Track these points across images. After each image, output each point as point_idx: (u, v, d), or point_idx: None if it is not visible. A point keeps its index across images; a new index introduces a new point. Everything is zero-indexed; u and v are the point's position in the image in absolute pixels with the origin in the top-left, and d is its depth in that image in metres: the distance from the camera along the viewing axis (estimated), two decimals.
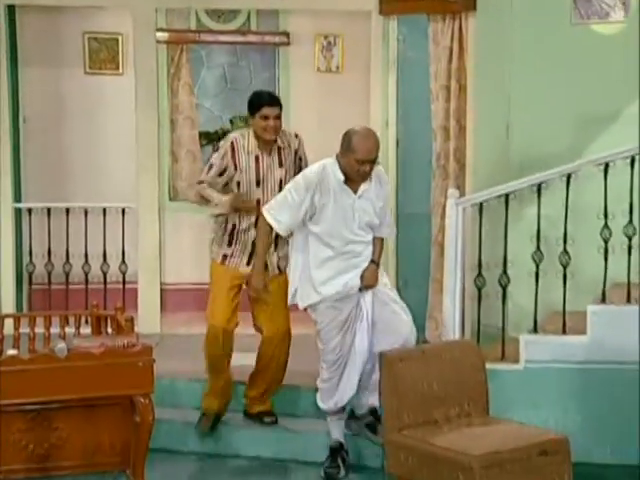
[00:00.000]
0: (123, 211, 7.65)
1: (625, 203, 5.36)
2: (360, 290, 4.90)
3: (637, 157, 5.30)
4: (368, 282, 4.91)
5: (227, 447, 5.51)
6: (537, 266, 5.45)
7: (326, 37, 8.33)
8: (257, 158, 5.16)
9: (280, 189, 5.03)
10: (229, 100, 9.15)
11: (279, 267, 5.30)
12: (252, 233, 5.16)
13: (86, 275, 7.65)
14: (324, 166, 4.85)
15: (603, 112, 5.83)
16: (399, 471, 4.25)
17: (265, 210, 4.94)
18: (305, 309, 5.02)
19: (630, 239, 5.37)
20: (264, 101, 5.12)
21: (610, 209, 5.39)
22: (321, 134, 8.30)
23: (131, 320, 5.04)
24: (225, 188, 5.22)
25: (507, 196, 5.44)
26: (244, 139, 5.17)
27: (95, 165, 8.27)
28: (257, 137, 5.14)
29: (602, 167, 5.36)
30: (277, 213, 4.88)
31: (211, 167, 5.21)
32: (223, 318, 5.25)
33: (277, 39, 8.42)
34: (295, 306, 5.08)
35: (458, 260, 5.44)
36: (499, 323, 5.48)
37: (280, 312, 5.27)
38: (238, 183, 5.17)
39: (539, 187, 5.43)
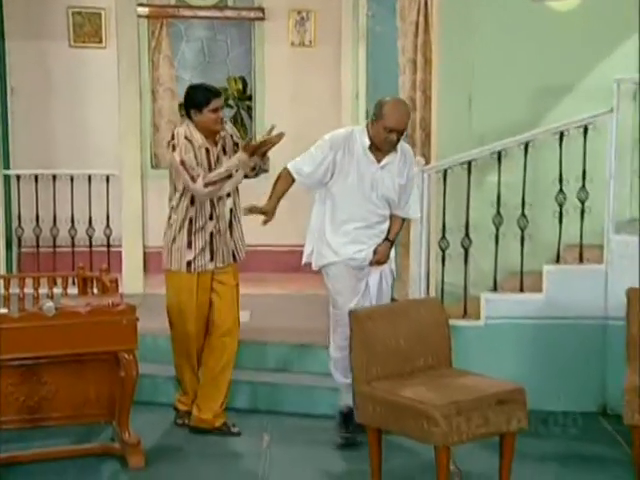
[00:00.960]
0: (107, 178, 7.62)
1: (578, 169, 5.38)
2: (370, 264, 4.78)
3: (590, 126, 5.31)
4: (379, 257, 4.79)
5: None
6: (497, 229, 5.48)
7: (299, 13, 8.28)
8: (207, 151, 4.79)
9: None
10: (207, 72, 9.10)
11: (234, 255, 4.97)
12: (210, 225, 4.82)
13: (72, 239, 7.65)
14: (352, 130, 4.75)
15: (559, 84, 5.82)
16: (368, 421, 4.26)
17: (289, 165, 4.83)
18: (318, 271, 4.89)
19: (583, 203, 5.39)
20: (211, 94, 4.77)
21: (564, 175, 5.41)
22: (295, 105, 8.30)
23: (115, 281, 5.03)
24: (175, 187, 4.86)
25: (469, 163, 5.45)
26: (192, 134, 4.75)
27: (80, 134, 8.21)
28: (202, 130, 4.75)
29: (557, 136, 5.37)
30: (299, 165, 4.77)
31: (184, 163, 4.70)
32: (190, 327, 4.94)
33: (252, 14, 8.36)
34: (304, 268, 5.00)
35: (424, 224, 5.44)
36: (461, 282, 5.51)
37: (234, 308, 5.04)
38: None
39: (499, 155, 5.44)
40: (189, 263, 4.82)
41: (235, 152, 4.85)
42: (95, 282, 5.18)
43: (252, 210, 4.79)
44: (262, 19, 8.32)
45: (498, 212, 5.45)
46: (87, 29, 8.21)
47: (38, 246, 7.67)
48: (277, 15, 8.30)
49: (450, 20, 6.20)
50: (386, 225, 4.84)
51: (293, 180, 4.83)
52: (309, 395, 5.38)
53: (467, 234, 5.48)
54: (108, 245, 7.62)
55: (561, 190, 5.42)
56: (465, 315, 5.47)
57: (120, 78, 7.26)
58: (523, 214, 5.45)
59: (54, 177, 7.65)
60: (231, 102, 9.07)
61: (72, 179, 7.61)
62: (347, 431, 4.84)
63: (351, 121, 7.21)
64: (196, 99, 4.76)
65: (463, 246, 5.49)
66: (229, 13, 8.45)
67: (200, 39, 9.08)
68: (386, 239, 4.83)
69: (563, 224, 5.43)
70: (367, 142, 4.67)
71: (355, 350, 4.31)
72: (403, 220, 4.94)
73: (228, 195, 4.86)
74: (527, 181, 5.42)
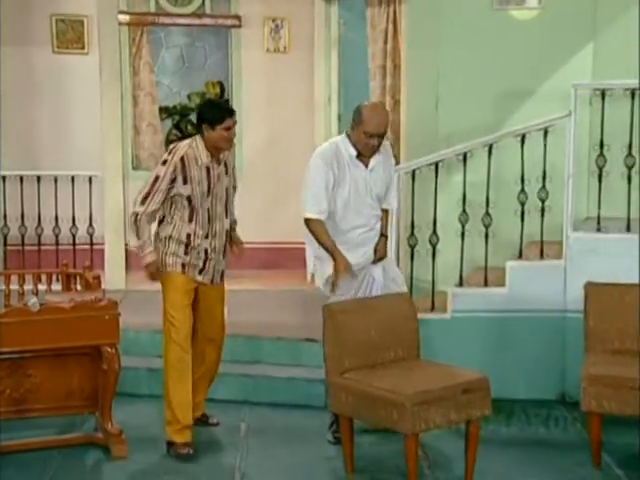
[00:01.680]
0: (90, 179, 7.58)
1: (539, 170, 5.41)
2: (373, 262, 4.68)
3: (549, 129, 5.35)
4: (381, 254, 4.70)
5: None
6: (463, 227, 5.50)
7: (274, 20, 8.25)
8: (208, 170, 4.52)
9: (227, 196, 4.63)
10: (186, 78, 9.08)
11: (221, 276, 4.78)
12: (206, 242, 4.59)
13: (57, 237, 7.61)
14: (335, 143, 4.59)
15: (520, 89, 5.85)
16: (341, 410, 4.27)
17: (306, 212, 4.53)
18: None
19: (543, 202, 5.43)
20: (226, 113, 4.53)
21: (526, 175, 5.44)
22: (270, 108, 8.29)
23: (98, 278, 5.00)
24: (172, 203, 4.54)
25: (437, 164, 5.46)
26: (194, 150, 4.50)
27: (64, 137, 8.16)
28: (209, 146, 4.52)
29: (519, 138, 5.39)
30: (317, 207, 4.50)
31: (157, 180, 4.46)
32: (188, 334, 4.63)
33: (229, 22, 8.33)
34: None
35: (393, 222, 5.45)
36: (429, 278, 5.52)
37: (221, 316, 4.86)
38: (189, 198, 4.50)
39: (465, 156, 5.46)
40: (183, 265, 4.58)
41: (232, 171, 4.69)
42: (78, 279, 5.14)
43: (335, 283, 4.53)
44: (238, 26, 8.30)
45: (464, 210, 5.47)
46: (70, 36, 8.16)
47: (23, 244, 7.62)
48: (253, 23, 8.28)
49: (417, 28, 6.22)
50: (380, 223, 4.75)
51: (322, 221, 4.55)
52: (284, 386, 5.38)
53: (434, 231, 5.50)
54: (91, 243, 7.58)
55: (523, 190, 5.45)
56: (433, 309, 5.48)
57: (102, 83, 7.22)
58: (487, 212, 5.47)
59: (39, 178, 7.60)
60: None
61: (56, 180, 7.56)
62: (338, 430, 4.55)
63: (324, 124, 7.22)
64: (211, 115, 4.50)
65: (431, 243, 5.50)
66: (207, 21, 8.41)
67: (179, 46, 9.05)
68: (382, 235, 4.74)
69: (525, 222, 5.46)
70: (353, 151, 4.52)
71: (328, 342, 4.32)
72: (387, 212, 4.85)
73: (226, 216, 4.67)
74: (491, 181, 5.44)
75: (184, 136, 9.04)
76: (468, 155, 5.45)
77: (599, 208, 5.35)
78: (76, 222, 7.60)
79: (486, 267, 5.46)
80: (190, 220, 4.54)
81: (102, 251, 7.37)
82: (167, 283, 4.61)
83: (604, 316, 4.76)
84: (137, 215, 4.48)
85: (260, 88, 8.27)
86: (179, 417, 4.54)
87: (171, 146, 4.61)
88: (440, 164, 5.47)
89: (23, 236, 7.64)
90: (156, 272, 4.59)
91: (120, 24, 7.56)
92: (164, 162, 4.49)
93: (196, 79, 9.05)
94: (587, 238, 5.35)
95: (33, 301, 4.41)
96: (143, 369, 5.55)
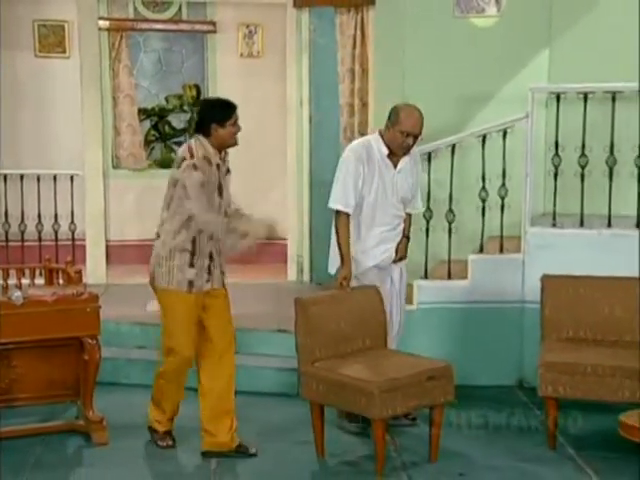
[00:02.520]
0: (71, 177, 7.50)
1: (499, 169, 5.44)
2: (394, 262, 4.62)
3: (508, 130, 5.38)
4: (402, 255, 4.64)
5: None
6: (427, 222, 5.51)
7: (248, 26, 8.25)
8: (218, 166, 4.18)
9: (228, 195, 4.29)
10: (164, 81, 9.03)
11: (223, 282, 4.38)
12: (209, 245, 4.20)
13: (39, 233, 7.51)
14: (368, 140, 4.52)
15: (481, 92, 5.88)
16: (312, 397, 4.27)
17: (333, 204, 4.45)
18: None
19: (503, 199, 5.46)
20: (232, 108, 4.18)
21: (487, 174, 5.47)
22: (244, 110, 8.15)
23: (80, 272, 4.95)
24: (181, 209, 4.14)
25: None
26: (204, 149, 4.12)
27: (46, 137, 8.12)
28: (218, 145, 4.16)
29: (480, 139, 5.42)
30: (344, 199, 4.43)
31: (204, 186, 4.08)
32: (191, 352, 4.26)
33: (205, 27, 8.32)
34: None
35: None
36: None
37: (231, 324, 4.41)
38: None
39: (429, 155, 5.47)
40: (190, 282, 4.16)
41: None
42: (60, 273, 5.08)
43: (343, 285, 4.46)
44: (214, 32, 8.28)
45: (428, 207, 5.48)
46: (51, 40, 8.12)
47: (7, 240, 7.52)
48: (227, 28, 8.28)
49: (384, 34, 6.22)
50: (403, 225, 4.66)
51: (348, 215, 4.50)
52: (258, 375, 5.35)
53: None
54: (73, 239, 7.49)
55: (484, 187, 5.48)
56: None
57: (83, 85, 7.18)
58: (450, 209, 5.49)
59: (22, 177, 7.49)
60: (186, 107, 8.99)
61: (38, 179, 7.46)
62: (358, 421, 4.53)
63: (295, 125, 7.20)
64: (219, 113, 4.14)
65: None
66: (184, 26, 8.39)
67: (157, 50, 8.99)
68: (404, 236, 4.66)
69: (485, 218, 5.49)
70: (385, 150, 4.45)
71: (300, 333, 4.31)
72: (410, 215, 4.74)
73: (226, 214, 4.31)
74: (454, 179, 5.46)
75: (162, 136, 9.02)
76: (433, 155, 5.47)
77: (555, 205, 5.39)
78: (58, 219, 7.52)
79: (449, 261, 5.48)
80: (184, 225, 4.16)
81: (83, 247, 7.35)
82: (170, 303, 4.19)
83: (559, 306, 4.80)
84: (210, 220, 4.11)
85: (235, 91, 8.20)
86: (164, 407, 4.45)
87: (184, 149, 4.15)
88: None
89: (7, 233, 7.55)
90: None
91: (100, 29, 7.55)
92: (195, 167, 4.03)
93: (173, 82, 9.01)
94: (544, 233, 5.38)
95: (17, 295, 4.36)
96: (123, 359, 5.52)
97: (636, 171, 5.28)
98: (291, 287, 6.89)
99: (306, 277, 7.20)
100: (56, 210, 7.51)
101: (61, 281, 5.03)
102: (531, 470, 4.19)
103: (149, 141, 8.92)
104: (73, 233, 7.52)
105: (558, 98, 5.34)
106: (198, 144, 4.13)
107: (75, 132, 7.52)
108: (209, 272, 4.22)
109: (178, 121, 9.06)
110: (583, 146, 5.33)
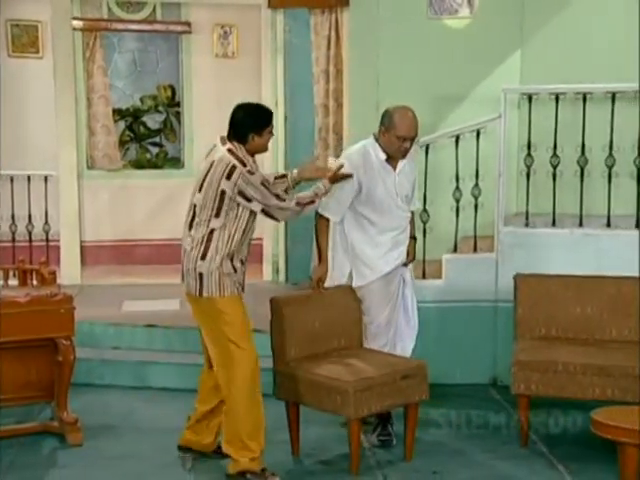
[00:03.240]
0: (46, 178, 7.45)
1: (472, 169, 5.47)
2: (405, 265, 4.54)
3: (481, 130, 5.41)
4: (412, 257, 4.58)
5: (139, 380, 5.48)
6: None
7: (222, 27, 8.24)
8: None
9: None
10: (139, 81, 8.99)
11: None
12: (243, 252, 4.04)
13: (13, 234, 7.47)
14: (364, 146, 4.36)
15: (454, 93, 5.91)
16: (287, 397, 4.27)
17: (324, 211, 4.36)
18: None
19: (476, 199, 5.49)
20: (270, 114, 4.06)
21: (460, 174, 5.50)
22: (220, 111, 8.18)
23: (54, 273, 4.92)
24: (233, 214, 3.95)
25: None
26: (246, 157, 3.95)
27: (20, 137, 8.03)
28: (252, 153, 4.01)
29: (454, 139, 5.45)
30: (336, 208, 4.34)
31: (265, 183, 3.96)
32: (257, 364, 4.00)
33: (180, 28, 8.29)
34: None
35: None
36: None
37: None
38: (252, 210, 3.97)
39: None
40: (239, 285, 4.03)
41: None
42: (34, 274, 5.04)
43: (319, 285, 4.40)
44: (189, 32, 8.26)
45: None
46: (25, 40, 8.06)
47: None
48: (202, 29, 8.26)
49: (358, 35, 6.24)
50: (409, 225, 4.58)
51: (328, 221, 4.42)
52: None
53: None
54: (47, 240, 7.45)
55: (457, 187, 5.51)
56: None
57: (57, 86, 7.14)
58: (425, 209, 5.51)
59: None
60: (161, 108, 8.96)
61: (12, 179, 7.42)
62: (383, 434, 4.46)
63: None
64: (258, 122, 3.99)
65: None
66: (158, 27, 8.36)
67: (132, 50, 8.94)
68: (412, 237, 4.57)
69: (459, 217, 5.52)
70: (383, 155, 4.33)
71: (275, 333, 4.31)
72: (412, 214, 4.63)
73: None
74: (428, 179, 5.48)
75: (137, 137, 8.98)
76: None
77: (527, 204, 5.44)
78: (32, 220, 7.47)
79: (424, 260, 5.50)
80: (236, 231, 3.98)
81: (58, 247, 7.30)
82: (226, 309, 3.96)
83: (532, 305, 4.84)
84: (297, 203, 4.03)
85: (210, 91, 8.24)
86: (252, 446, 3.97)
87: (229, 158, 3.93)
88: None
89: None
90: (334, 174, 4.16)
91: (74, 29, 7.49)
92: (251, 173, 3.90)
93: (148, 82, 8.97)
94: (517, 232, 5.42)
95: None
96: (97, 360, 5.50)
97: (607, 171, 5.33)
98: (266, 287, 6.88)
99: (282, 277, 7.21)
100: (30, 211, 7.46)
101: (35, 282, 5.00)
102: (504, 467, 4.22)
103: (124, 142, 8.87)
104: (47, 234, 7.48)
105: (530, 99, 5.39)
106: (241, 150, 3.96)
107: (49, 133, 7.48)
108: (244, 276, 4.09)
109: (153, 122, 9.02)
110: (555, 146, 5.38)
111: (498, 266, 5.41)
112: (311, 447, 4.34)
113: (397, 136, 4.28)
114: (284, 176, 4.29)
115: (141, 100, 8.97)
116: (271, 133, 4.06)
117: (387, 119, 4.33)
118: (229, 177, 3.88)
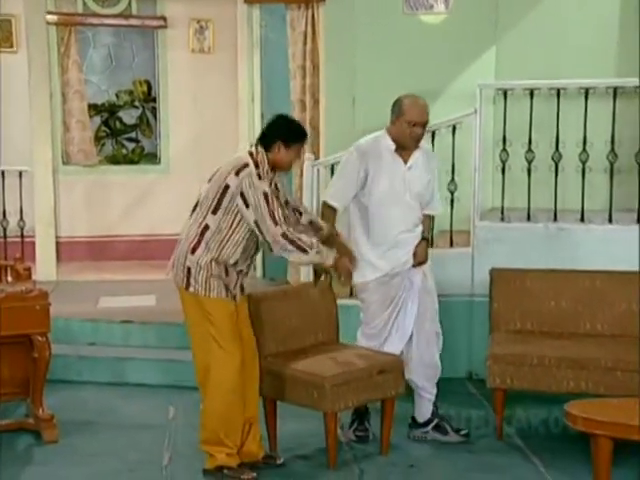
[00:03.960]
0: (20, 174, 7.34)
1: (448, 164, 5.48)
2: (413, 266, 4.32)
3: (457, 126, 5.43)
4: (420, 258, 4.32)
5: (116, 376, 5.45)
6: None
7: (198, 22, 8.20)
8: (277, 186, 3.96)
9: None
10: (114, 76, 8.95)
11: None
12: (244, 264, 3.98)
13: None
14: (375, 137, 4.27)
15: (430, 88, 5.88)
16: (265, 392, 4.26)
17: (328, 198, 4.28)
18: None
19: (452, 194, 5.51)
20: (304, 134, 3.98)
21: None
22: (196, 107, 8.23)
23: (29, 269, 4.87)
24: (230, 220, 3.85)
25: None
26: (267, 162, 3.87)
27: None
28: (272, 163, 3.89)
29: (430, 134, 5.45)
30: (341, 195, 4.25)
31: (268, 197, 3.79)
32: (241, 367, 3.94)
33: (155, 23, 8.24)
34: None
35: (313, 213, 5.44)
36: None
37: (252, 331, 4.14)
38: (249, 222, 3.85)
39: None
40: (227, 288, 3.92)
41: None
42: (9, 270, 5.00)
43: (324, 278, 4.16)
44: (164, 27, 8.21)
45: None
46: None
47: None
48: (178, 24, 8.21)
49: (334, 30, 6.25)
50: (421, 227, 4.38)
51: (335, 210, 4.30)
52: None
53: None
54: (22, 236, 7.34)
55: None
56: (351, 295, 5.50)
57: (31, 81, 7.09)
58: None
59: None
60: (137, 103, 8.92)
61: None
62: (359, 429, 4.44)
63: (247, 121, 7.19)
64: (290, 132, 3.91)
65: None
66: (134, 21, 8.31)
67: (107, 45, 8.89)
68: (423, 239, 4.36)
69: None
70: (392, 145, 4.22)
71: (253, 329, 4.30)
72: (430, 217, 4.50)
73: None
74: None
75: (113, 132, 8.93)
76: None
77: (503, 199, 5.47)
78: (7, 215, 7.38)
79: None
80: (230, 240, 3.89)
81: (33, 243, 7.24)
82: (211, 309, 3.89)
83: (507, 299, 4.88)
84: (283, 234, 3.79)
85: (186, 87, 8.21)
86: (228, 443, 3.96)
87: (245, 156, 3.88)
88: None
89: None
90: (349, 265, 3.99)
91: (48, 24, 7.46)
92: (260, 177, 3.80)
93: (124, 77, 8.92)
94: (492, 227, 5.45)
95: None
96: (73, 356, 5.47)
97: (580, 166, 5.38)
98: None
99: (259, 273, 7.20)
100: (4, 206, 7.37)
101: (10, 278, 4.95)
102: (479, 460, 4.26)
103: (100, 137, 8.82)
104: (22, 230, 7.38)
105: (505, 94, 5.42)
106: (261, 155, 3.88)
107: (24, 128, 7.41)
108: (237, 283, 3.97)
109: (129, 117, 8.97)
110: (530, 142, 5.41)
111: (474, 260, 5.44)
112: (288, 442, 4.34)
113: (407, 121, 4.18)
114: (319, 229, 4.12)
115: (117, 95, 8.92)
116: (299, 154, 3.98)
117: (397, 107, 4.25)
118: (238, 173, 3.79)
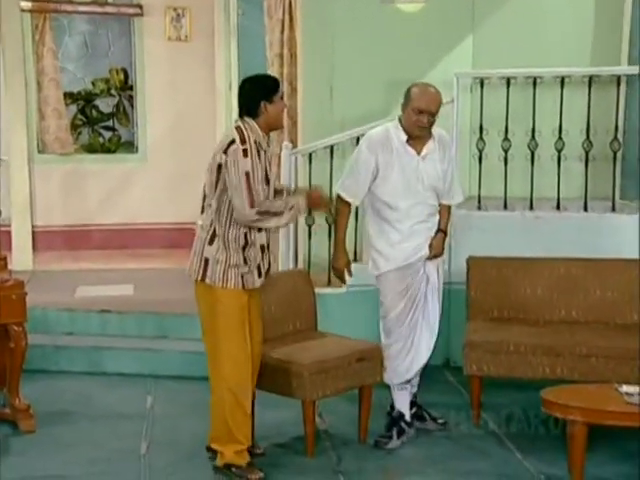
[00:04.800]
0: None
1: None
2: (428, 259, 4.23)
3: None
4: (437, 251, 4.23)
5: (93, 365, 5.43)
6: (356, 207, 5.52)
7: (175, 9, 8.13)
8: (265, 153, 3.82)
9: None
10: (90, 64, 8.87)
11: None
12: (261, 238, 3.87)
13: None
14: (387, 127, 4.19)
15: (408, 77, 5.85)
16: None
17: (341, 191, 4.22)
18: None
19: None
20: (277, 80, 3.90)
21: None
22: (173, 95, 8.18)
23: (5, 259, 4.83)
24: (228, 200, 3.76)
25: (332, 147, 5.48)
26: (256, 133, 3.77)
27: None
28: (266, 126, 3.81)
29: None
30: (349, 187, 4.19)
31: (249, 176, 3.69)
32: (249, 364, 3.89)
33: (131, 10, 8.19)
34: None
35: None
36: (326, 254, 5.53)
37: (261, 323, 4.11)
38: None
39: (358, 140, 5.47)
40: (245, 278, 3.84)
41: None
42: None
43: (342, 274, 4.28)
44: (140, 15, 8.15)
45: None
46: None
47: None
48: (154, 11, 8.15)
49: (312, 18, 6.22)
50: (437, 217, 4.27)
51: (349, 204, 4.30)
52: (189, 360, 5.33)
53: (330, 211, 5.50)
54: None
55: None
56: (329, 283, 5.51)
57: (5, 69, 7.03)
58: None
59: None
60: (114, 92, 8.85)
61: None
62: (382, 435, 4.30)
63: (225, 110, 7.16)
64: (266, 88, 3.79)
65: (327, 221, 5.51)
66: (109, 9, 8.25)
67: (82, 33, 8.81)
68: (439, 230, 4.25)
69: None
70: (404, 136, 4.13)
71: None
72: (449, 208, 4.37)
73: None
74: None
75: (89, 121, 8.86)
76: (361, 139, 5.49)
77: (480, 188, 5.49)
78: None
79: None
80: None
81: (9, 233, 7.16)
82: (224, 300, 3.81)
83: (484, 287, 4.91)
84: (258, 212, 3.72)
85: (163, 75, 8.15)
86: (239, 438, 3.90)
87: (232, 133, 3.78)
88: (335, 147, 5.48)
89: None
90: (328, 202, 3.99)
91: (22, 11, 7.36)
92: (245, 153, 3.70)
93: (100, 66, 8.85)
94: (469, 216, 5.47)
95: None
96: (50, 346, 5.44)
97: (556, 154, 5.41)
98: None
99: None
100: None
101: None
102: (457, 446, 4.29)
103: (76, 125, 8.75)
104: None
105: (482, 83, 5.44)
106: (249, 128, 3.76)
107: None
108: (260, 267, 3.90)
109: (105, 105, 8.91)
110: (506, 130, 5.44)
111: (451, 248, 5.43)
112: (266, 430, 4.35)
113: (413, 108, 4.09)
114: (281, 191, 4.03)
115: (93, 83, 8.85)
116: (283, 100, 3.87)
117: (406, 94, 4.18)
118: (226, 151, 3.72)
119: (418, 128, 4.13)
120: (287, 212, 3.81)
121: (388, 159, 4.14)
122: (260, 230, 3.84)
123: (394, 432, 4.29)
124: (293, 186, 4.59)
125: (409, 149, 4.17)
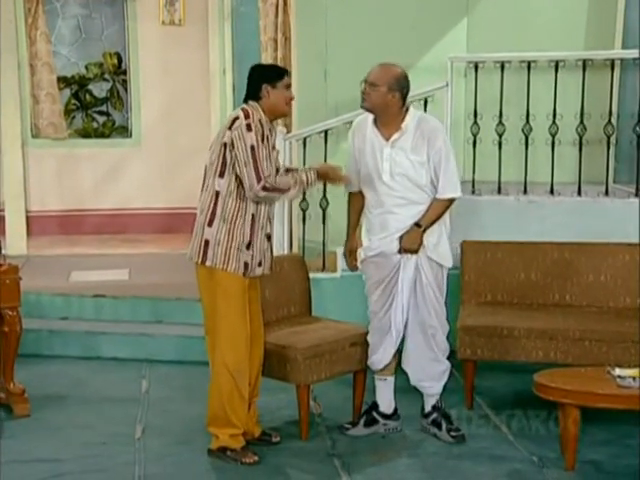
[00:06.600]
0: None
1: None
2: (399, 252, 4.01)
3: (429, 99, 5.42)
4: (405, 245, 3.96)
5: (88, 350, 5.43)
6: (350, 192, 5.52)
7: None
8: (268, 138, 3.80)
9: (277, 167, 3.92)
10: (84, 48, 8.83)
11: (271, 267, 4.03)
12: (267, 227, 3.88)
13: None
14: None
15: (402, 61, 5.81)
16: None
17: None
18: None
19: None
20: (284, 70, 3.93)
21: None
22: (167, 79, 8.15)
23: None
24: (235, 180, 3.75)
25: (326, 132, 5.46)
26: (259, 113, 3.76)
27: None
28: (270, 112, 3.82)
29: None
30: (350, 176, 4.08)
31: (255, 150, 3.68)
32: (247, 348, 3.89)
33: None
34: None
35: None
36: (320, 239, 5.54)
37: (260, 309, 4.08)
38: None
39: (351, 124, 5.46)
40: (246, 265, 3.81)
41: None
42: None
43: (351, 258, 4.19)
44: None
45: None
46: None
47: None
48: None
49: (306, 2, 6.19)
50: (416, 210, 3.99)
51: (353, 194, 4.19)
52: (182, 344, 5.34)
53: (324, 196, 5.50)
54: None
55: None
56: (323, 268, 5.51)
57: None
58: None
59: None
60: (107, 76, 8.81)
61: None
62: (349, 421, 4.26)
63: (219, 94, 7.14)
64: (269, 73, 3.84)
65: (321, 206, 5.51)
66: None
67: (76, 16, 8.76)
68: (415, 224, 3.97)
69: None
70: (371, 116, 4.03)
71: None
72: (447, 203, 4.07)
73: None
74: None
75: (83, 105, 8.82)
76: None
77: (474, 172, 5.48)
78: None
79: None
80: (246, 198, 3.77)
81: (3, 217, 7.20)
82: (224, 283, 3.79)
83: (478, 271, 4.91)
84: (264, 187, 3.69)
85: (157, 59, 8.12)
86: (234, 421, 3.90)
87: (237, 111, 3.80)
88: (329, 132, 5.47)
89: None
90: (332, 171, 3.96)
91: None
92: (249, 127, 3.70)
93: (94, 50, 8.81)
94: (463, 200, 5.39)
95: None
96: (44, 331, 5.44)
97: (550, 139, 5.40)
98: None
99: None
100: None
101: None
102: None
103: (69, 110, 8.72)
104: None
105: (476, 67, 5.41)
106: (252, 108, 3.78)
107: None
108: (264, 256, 3.89)
109: (99, 90, 8.88)
110: (500, 115, 5.42)
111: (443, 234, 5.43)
112: (261, 414, 4.35)
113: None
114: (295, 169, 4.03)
115: (86, 68, 8.82)
116: (288, 89, 3.85)
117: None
118: (230, 128, 3.72)
119: (361, 98, 4.03)
120: (297, 188, 3.83)
121: (361, 145, 4.06)
122: (267, 216, 3.84)
123: (362, 420, 4.22)
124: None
125: (377, 133, 4.02)
